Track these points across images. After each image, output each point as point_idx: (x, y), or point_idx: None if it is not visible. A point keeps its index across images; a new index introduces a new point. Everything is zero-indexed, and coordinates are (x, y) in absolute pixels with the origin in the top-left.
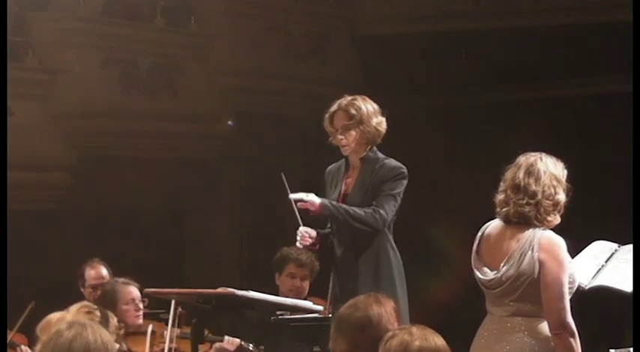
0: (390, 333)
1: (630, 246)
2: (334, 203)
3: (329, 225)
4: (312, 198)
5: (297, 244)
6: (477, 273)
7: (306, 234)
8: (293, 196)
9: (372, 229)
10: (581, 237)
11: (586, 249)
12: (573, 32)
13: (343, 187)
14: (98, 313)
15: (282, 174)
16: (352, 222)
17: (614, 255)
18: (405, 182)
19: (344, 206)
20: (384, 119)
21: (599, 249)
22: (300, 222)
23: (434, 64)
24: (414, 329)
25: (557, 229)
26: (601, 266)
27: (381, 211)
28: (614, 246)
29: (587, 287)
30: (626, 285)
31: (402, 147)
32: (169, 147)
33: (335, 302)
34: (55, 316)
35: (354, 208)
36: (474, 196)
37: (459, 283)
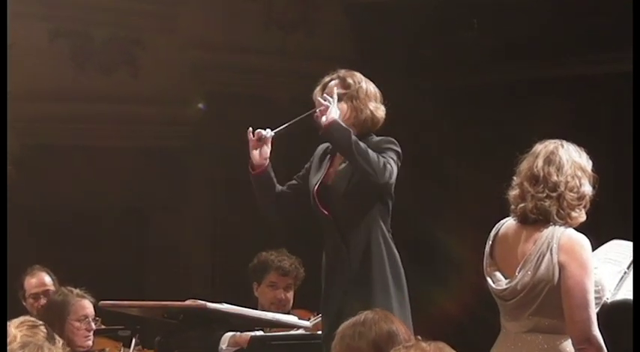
0: None
1: None
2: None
3: (289, 185)
4: (333, 104)
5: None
6: (490, 281)
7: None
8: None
9: (374, 175)
10: (610, 238)
11: (601, 250)
12: None
13: (325, 173)
14: (43, 329)
15: None
16: (356, 156)
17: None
18: (398, 152)
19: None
20: (383, 107)
21: (618, 251)
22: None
23: (440, 36)
24: (424, 345)
25: (581, 228)
26: (624, 273)
27: (388, 164)
28: None
29: (609, 301)
30: None
31: (403, 134)
32: (129, 135)
33: (322, 306)
34: None
35: (365, 144)
36: (489, 192)
37: (470, 294)
